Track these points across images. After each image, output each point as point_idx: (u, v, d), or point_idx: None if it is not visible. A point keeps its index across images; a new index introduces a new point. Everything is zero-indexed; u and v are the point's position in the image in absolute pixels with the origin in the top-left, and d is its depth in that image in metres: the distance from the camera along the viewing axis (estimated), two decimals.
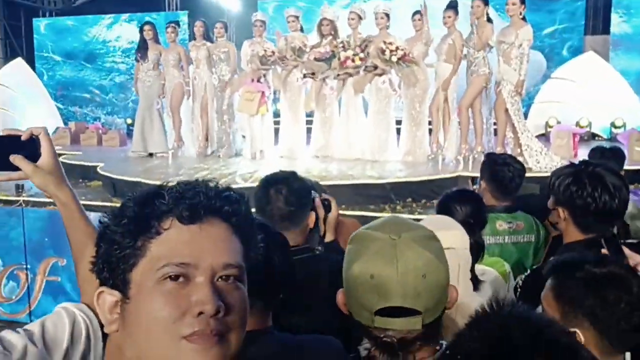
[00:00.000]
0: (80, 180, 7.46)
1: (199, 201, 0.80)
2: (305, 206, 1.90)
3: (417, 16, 6.93)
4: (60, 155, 7.59)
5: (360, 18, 7.22)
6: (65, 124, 11.88)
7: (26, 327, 1.07)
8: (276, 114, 8.23)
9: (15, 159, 1.14)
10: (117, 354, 0.80)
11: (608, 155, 3.50)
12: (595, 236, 1.84)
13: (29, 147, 1.15)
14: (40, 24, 13.70)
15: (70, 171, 7.87)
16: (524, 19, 6.14)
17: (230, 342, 0.77)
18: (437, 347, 1.05)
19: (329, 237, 2.00)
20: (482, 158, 6.25)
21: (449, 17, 6.57)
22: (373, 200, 5.46)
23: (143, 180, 6.04)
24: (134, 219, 0.79)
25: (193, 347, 0.74)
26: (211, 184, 0.84)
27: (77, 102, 13.60)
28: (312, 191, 1.97)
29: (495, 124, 6.89)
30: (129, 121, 11.72)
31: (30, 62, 12.98)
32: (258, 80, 7.50)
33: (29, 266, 5.55)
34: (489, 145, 6.73)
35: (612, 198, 1.79)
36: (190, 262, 0.77)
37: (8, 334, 1.02)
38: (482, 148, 6.59)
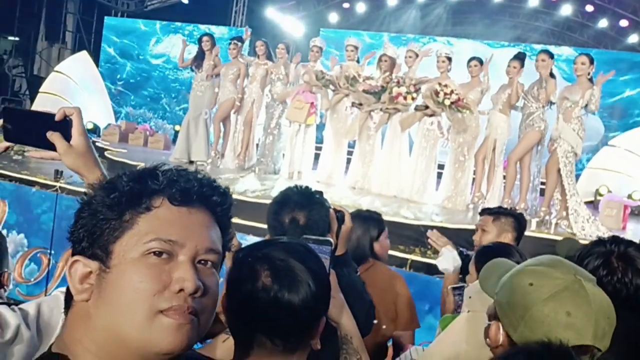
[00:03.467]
0: None
1: (192, 186, 0.84)
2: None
3: (474, 62, 6.83)
4: (105, 150, 7.74)
5: (417, 56, 7.18)
6: (117, 121, 12.23)
7: (22, 305, 1.04)
8: (319, 140, 8.21)
9: (53, 135, 1.12)
10: (83, 322, 0.79)
11: None
12: (630, 317, 1.69)
13: (62, 127, 1.15)
14: (110, 23, 14.26)
15: (112, 167, 8.04)
16: (590, 80, 5.90)
17: (201, 323, 0.80)
18: None
19: (340, 250, 1.89)
20: (524, 215, 6.05)
21: (514, 67, 6.41)
22: (404, 240, 5.27)
23: None
24: (126, 193, 0.81)
25: (168, 322, 0.76)
26: (202, 174, 0.88)
27: (131, 103, 14.01)
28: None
29: (542, 183, 6.62)
30: (177, 128, 11.97)
31: (95, 57, 13.49)
32: (310, 92, 7.52)
33: (53, 252, 5.60)
34: (533, 204, 6.45)
35: None
36: (177, 240, 0.79)
37: (4, 310, 0.98)
38: (526, 205, 6.31)
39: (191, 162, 8.38)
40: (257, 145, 8.46)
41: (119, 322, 0.76)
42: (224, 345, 1.54)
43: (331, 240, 1.45)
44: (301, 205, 1.80)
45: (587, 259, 1.75)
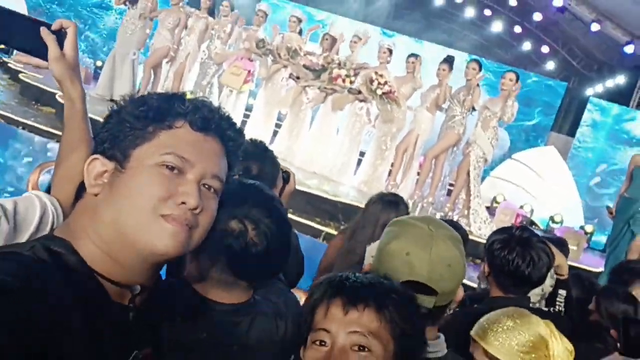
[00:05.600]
0: (34, 103, 7.16)
1: (212, 116, 0.94)
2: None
3: (412, 59, 7.15)
4: (19, 72, 7.23)
5: (360, 41, 7.40)
6: None
7: (0, 200, 1.04)
8: (248, 108, 8.21)
9: (49, 37, 1.11)
10: (90, 214, 0.88)
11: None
12: (514, 297, 2.00)
13: (56, 37, 1.13)
14: None
15: (26, 91, 7.55)
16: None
17: (195, 236, 0.90)
18: (437, 335, 1.24)
19: None
20: (430, 209, 6.52)
21: (444, 70, 6.81)
22: (321, 213, 5.52)
23: (101, 120, 5.82)
24: (154, 109, 0.91)
25: (167, 227, 0.85)
26: (223, 110, 0.99)
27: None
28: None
29: (451, 184, 7.13)
30: (99, 63, 11.42)
31: None
32: (248, 60, 7.49)
33: None
34: (440, 200, 6.94)
35: (526, 265, 1.95)
36: (190, 159, 0.89)
37: None
38: (433, 200, 6.79)
39: (113, 101, 8.07)
40: None
41: (124, 218, 0.85)
42: None
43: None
44: (255, 157, 1.90)
45: (492, 237, 2.08)
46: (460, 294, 1.25)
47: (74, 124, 1.22)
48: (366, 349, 0.97)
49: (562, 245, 3.75)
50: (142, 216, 0.85)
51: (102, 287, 0.85)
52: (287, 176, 2.08)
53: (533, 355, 1.47)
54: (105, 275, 0.85)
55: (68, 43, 1.15)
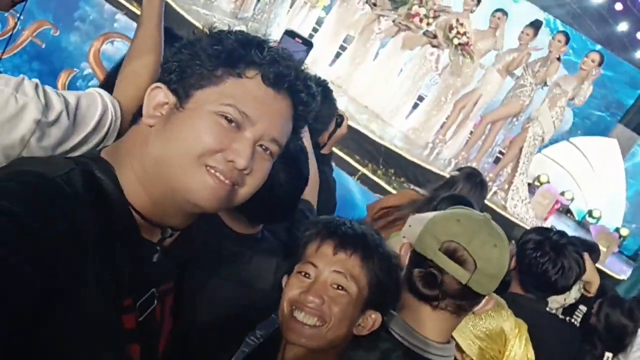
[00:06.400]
0: None
1: (288, 74, 0.85)
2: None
3: (499, 14, 6.75)
4: None
5: None
6: None
7: (64, 93, 1.03)
8: (319, 22, 7.97)
9: None
10: (141, 143, 0.85)
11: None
12: (531, 298, 1.98)
13: None
14: None
15: None
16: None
17: (237, 194, 0.85)
18: (448, 339, 1.21)
19: (327, 150, 2.02)
20: None
21: (527, 35, 6.42)
22: (362, 152, 5.47)
23: (171, 3, 5.79)
24: (228, 51, 0.83)
25: (207, 179, 0.81)
26: (304, 68, 0.89)
27: None
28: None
29: (500, 152, 6.92)
30: None
31: None
32: None
33: (21, 17, 5.33)
34: (484, 167, 6.78)
35: (555, 272, 1.91)
36: (251, 116, 0.82)
37: (52, 92, 1.00)
38: (477, 165, 6.62)
39: None
40: None
41: (169, 157, 0.81)
42: None
43: (312, 42, 1.55)
44: None
45: (528, 234, 2.03)
46: (492, 302, 1.21)
47: (149, 25, 1.22)
48: (344, 289, 1.08)
49: (593, 250, 3.65)
50: (186, 161, 0.80)
51: (134, 220, 0.83)
52: (340, 120, 2.04)
53: (485, 344, 1.44)
54: (138, 209, 0.83)
55: None
